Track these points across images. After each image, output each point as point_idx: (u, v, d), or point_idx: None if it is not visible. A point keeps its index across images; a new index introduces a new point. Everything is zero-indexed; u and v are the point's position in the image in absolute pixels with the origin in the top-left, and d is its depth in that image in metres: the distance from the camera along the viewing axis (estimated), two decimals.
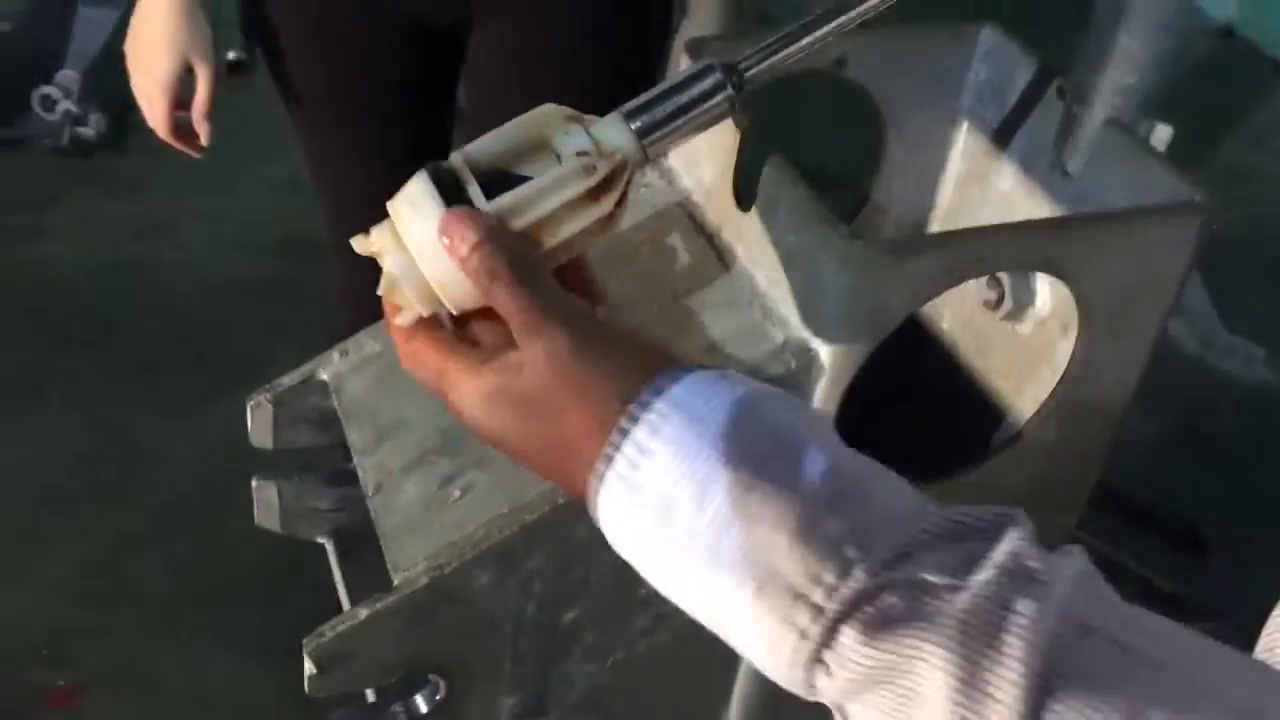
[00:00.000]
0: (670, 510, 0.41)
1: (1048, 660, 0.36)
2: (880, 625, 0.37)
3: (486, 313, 0.48)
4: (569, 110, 0.50)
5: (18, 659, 1.56)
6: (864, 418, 0.57)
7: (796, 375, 0.56)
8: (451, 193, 0.48)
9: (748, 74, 0.50)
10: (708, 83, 0.49)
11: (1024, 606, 0.37)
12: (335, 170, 1.32)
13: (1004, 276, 0.69)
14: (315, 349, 0.74)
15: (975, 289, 0.71)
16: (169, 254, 2.29)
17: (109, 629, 1.62)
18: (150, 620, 1.64)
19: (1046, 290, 0.67)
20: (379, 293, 0.49)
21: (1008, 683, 0.36)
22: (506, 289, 0.45)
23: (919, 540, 0.39)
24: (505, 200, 0.47)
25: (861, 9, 0.50)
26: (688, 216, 0.64)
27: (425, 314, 0.48)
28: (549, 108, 0.50)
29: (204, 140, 1.23)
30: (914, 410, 0.75)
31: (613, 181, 0.48)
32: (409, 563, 0.57)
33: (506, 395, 0.45)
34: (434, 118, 1.32)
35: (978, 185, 0.72)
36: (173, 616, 1.63)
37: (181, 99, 1.19)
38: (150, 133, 1.25)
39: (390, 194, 0.50)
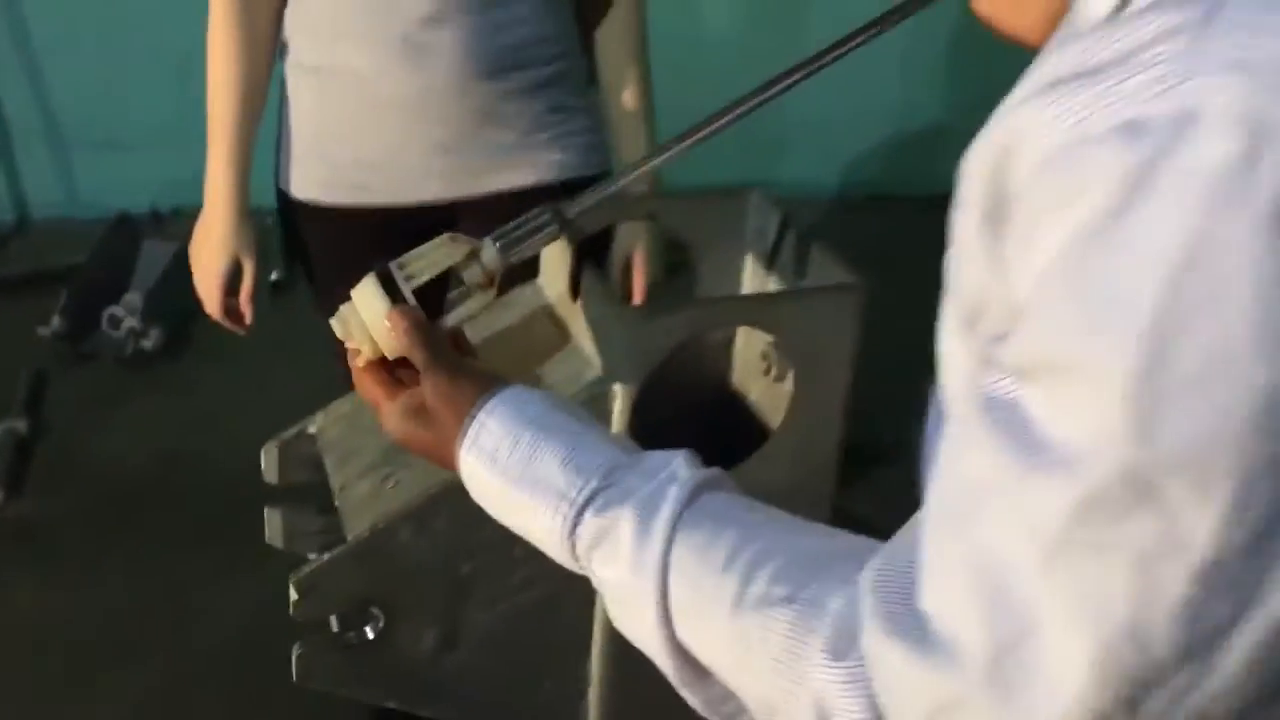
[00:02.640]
0: (496, 456, 0.78)
1: (680, 518, 0.71)
2: (604, 507, 0.74)
3: (406, 361, 0.87)
4: (461, 237, 0.91)
5: None
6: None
7: (598, 400, 0.95)
8: (389, 285, 0.88)
9: (570, 217, 0.91)
10: (543, 219, 0.90)
11: (673, 490, 0.72)
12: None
13: (770, 348, 1.07)
14: None
15: (758, 365, 1.10)
16: (215, 444, 2.73)
17: None
18: None
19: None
20: (350, 351, 0.87)
21: (660, 526, 0.71)
22: (419, 351, 0.84)
23: (633, 467, 0.76)
24: (448, 320, 0.87)
25: (629, 177, 0.91)
26: (548, 314, 1.04)
27: (374, 358, 0.87)
28: (446, 237, 0.91)
29: (247, 320, 1.67)
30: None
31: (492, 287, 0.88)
32: (359, 528, 0.94)
33: (412, 411, 0.83)
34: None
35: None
36: None
37: (231, 289, 1.64)
38: (199, 343, 1.69)
39: None
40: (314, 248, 1.70)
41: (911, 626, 0.54)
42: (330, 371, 1.69)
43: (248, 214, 1.63)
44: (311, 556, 1.12)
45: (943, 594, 0.53)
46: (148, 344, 2.99)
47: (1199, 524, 0.45)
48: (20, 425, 2.68)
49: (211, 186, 1.61)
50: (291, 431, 1.08)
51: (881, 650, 0.55)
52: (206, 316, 1.66)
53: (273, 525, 1.08)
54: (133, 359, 2.97)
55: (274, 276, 3.16)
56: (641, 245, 1.59)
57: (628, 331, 0.92)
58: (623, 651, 0.72)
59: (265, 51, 1.58)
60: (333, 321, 0.89)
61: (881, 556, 0.59)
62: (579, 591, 0.74)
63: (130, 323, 3.00)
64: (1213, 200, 0.43)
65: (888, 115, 3.73)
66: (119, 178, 3.38)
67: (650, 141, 1.69)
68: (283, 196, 1.67)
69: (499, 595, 0.98)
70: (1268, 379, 0.42)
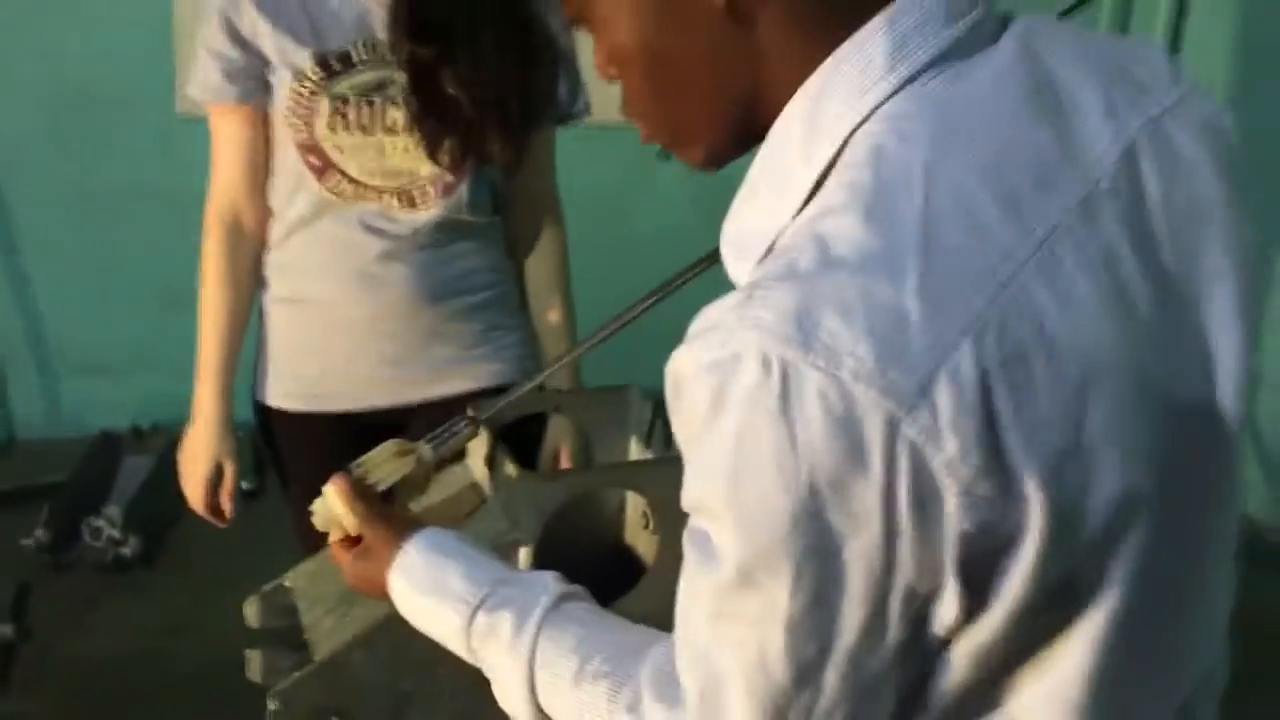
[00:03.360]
0: (413, 575, 1.11)
1: (544, 619, 1.01)
2: (490, 609, 1.07)
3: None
4: (404, 442, 1.25)
5: None
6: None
7: (508, 544, 1.27)
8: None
9: (482, 419, 1.26)
10: (461, 425, 1.25)
11: (543, 599, 1.05)
12: (305, 528, 2.04)
13: (648, 507, 1.41)
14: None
15: (640, 522, 1.42)
16: (189, 645, 3.00)
17: None
18: None
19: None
20: (322, 530, 1.20)
21: (529, 625, 1.03)
22: (360, 507, 1.17)
23: (515, 581, 1.08)
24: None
25: (536, 381, 1.27)
26: (472, 486, 1.38)
27: (340, 537, 1.20)
28: (392, 443, 1.25)
29: (228, 515, 1.99)
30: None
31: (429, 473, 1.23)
32: (323, 653, 1.24)
33: (360, 553, 1.16)
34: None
35: None
36: None
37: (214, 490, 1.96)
38: (174, 550, 2.00)
39: None
40: (285, 449, 2.05)
41: (667, 687, 0.85)
42: None
43: (230, 425, 1.97)
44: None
45: (680, 660, 0.82)
46: (126, 552, 3.29)
47: (778, 595, 0.71)
48: (6, 630, 2.96)
49: (199, 402, 1.95)
50: (270, 586, 1.40)
51: (650, 706, 0.86)
52: (182, 525, 1.98)
53: (253, 662, 1.39)
54: (112, 566, 3.27)
55: (244, 485, 3.47)
56: (566, 442, 1.93)
57: (528, 494, 1.27)
58: None
59: (248, 288, 1.96)
60: (313, 512, 1.21)
61: (665, 642, 0.89)
62: (495, 701, 1.06)
63: (110, 533, 3.30)
64: (749, 406, 0.68)
65: None
66: (101, 398, 3.74)
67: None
68: (258, 406, 2.02)
69: (433, 703, 1.29)
70: (788, 503, 0.68)
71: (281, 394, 2.02)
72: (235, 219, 1.93)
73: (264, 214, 1.94)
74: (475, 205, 1.93)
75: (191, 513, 1.98)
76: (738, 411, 0.68)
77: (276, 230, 1.95)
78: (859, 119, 0.75)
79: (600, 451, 1.46)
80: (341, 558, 1.20)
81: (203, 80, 1.84)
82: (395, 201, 1.87)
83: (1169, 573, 0.77)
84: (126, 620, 3.09)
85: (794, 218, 0.76)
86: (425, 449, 1.25)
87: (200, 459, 1.98)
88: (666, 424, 1.46)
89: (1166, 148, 0.80)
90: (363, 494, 1.19)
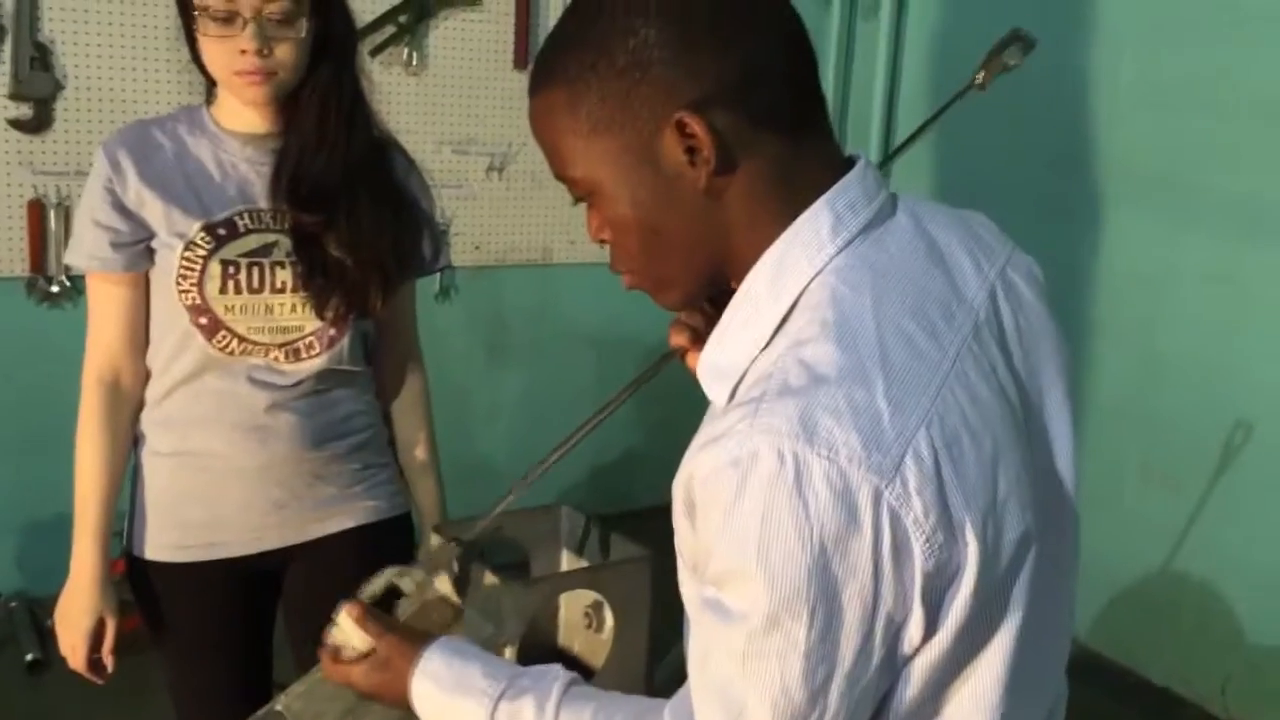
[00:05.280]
0: (438, 678, 1.26)
1: (562, 699, 1.18)
2: (510, 699, 1.18)
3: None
4: (401, 568, 1.49)
5: None
6: None
7: (492, 644, 1.52)
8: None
9: (466, 539, 1.52)
10: (454, 550, 1.50)
11: (556, 684, 1.18)
12: (191, 685, 2.17)
13: (591, 608, 1.68)
14: None
15: (581, 623, 1.70)
16: None
17: None
18: None
19: (609, 613, 1.65)
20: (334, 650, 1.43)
21: (550, 705, 1.16)
22: (375, 625, 1.40)
23: (528, 673, 1.34)
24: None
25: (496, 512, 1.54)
26: (444, 600, 1.63)
27: (354, 656, 1.42)
28: (391, 569, 1.49)
29: (109, 670, 2.07)
30: None
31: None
32: None
33: (376, 665, 1.39)
34: (262, 641, 2.21)
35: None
36: None
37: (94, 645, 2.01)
38: None
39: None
40: (166, 602, 2.11)
41: None
42: None
43: (109, 579, 2.04)
44: None
45: (699, 704, 0.98)
46: None
47: (797, 632, 0.89)
48: None
49: (79, 559, 1.98)
50: (261, 712, 1.58)
51: None
52: None
53: None
54: None
55: (30, 658, 3.44)
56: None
57: (511, 598, 1.53)
58: None
59: (126, 448, 2.06)
60: (332, 632, 1.42)
61: (676, 695, 1.06)
62: None
63: None
64: (770, 489, 0.86)
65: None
66: None
67: (438, 484, 2.30)
68: (134, 561, 2.11)
69: None
70: (806, 559, 0.86)
71: (166, 545, 2.07)
72: (115, 379, 2.03)
73: (143, 373, 2.05)
74: (353, 355, 2.12)
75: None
76: (761, 494, 0.88)
77: (156, 388, 2.04)
78: (814, 273, 0.99)
79: (536, 563, 1.73)
80: (352, 672, 1.41)
81: (89, 249, 1.97)
82: (281, 355, 2.03)
83: (1046, 598, 1.01)
84: None
85: (762, 349, 0.99)
86: (419, 573, 1.49)
87: (83, 616, 2.01)
88: (602, 533, 1.75)
89: (1012, 290, 1.08)
90: (372, 613, 1.42)
